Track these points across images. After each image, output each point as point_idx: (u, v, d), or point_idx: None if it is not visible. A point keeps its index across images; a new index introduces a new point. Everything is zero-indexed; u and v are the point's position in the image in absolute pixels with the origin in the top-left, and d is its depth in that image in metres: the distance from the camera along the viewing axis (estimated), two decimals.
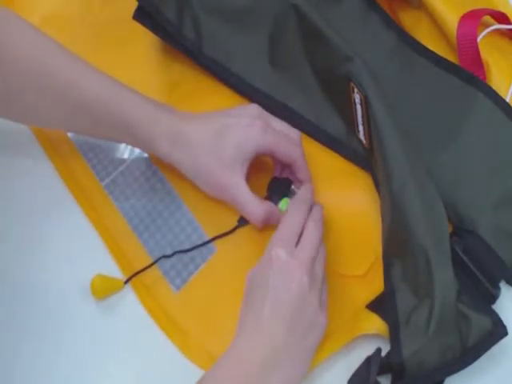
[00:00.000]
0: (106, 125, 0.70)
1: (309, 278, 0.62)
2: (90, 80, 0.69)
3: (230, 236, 0.72)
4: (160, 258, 0.71)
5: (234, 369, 0.60)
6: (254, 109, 0.72)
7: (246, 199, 0.69)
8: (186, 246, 0.72)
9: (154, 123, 0.69)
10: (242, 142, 0.69)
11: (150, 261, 0.72)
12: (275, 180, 0.74)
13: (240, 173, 0.69)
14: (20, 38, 0.68)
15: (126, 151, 0.77)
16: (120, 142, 0.73)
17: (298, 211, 0.67)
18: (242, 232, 0.72)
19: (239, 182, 0.69)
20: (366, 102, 0.70)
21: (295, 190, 0.72)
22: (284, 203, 0.71)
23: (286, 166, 0.73)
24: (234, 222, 0.73)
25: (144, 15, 0.78)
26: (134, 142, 0.72)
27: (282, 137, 0.70)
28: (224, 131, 0.69)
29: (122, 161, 0.77)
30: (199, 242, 0.72)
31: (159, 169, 0.76)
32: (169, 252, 0.72)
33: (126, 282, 0.70)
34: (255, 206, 0.69)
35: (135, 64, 0.81)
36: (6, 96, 0.70)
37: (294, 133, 0.72)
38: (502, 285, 0.68)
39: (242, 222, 0.72)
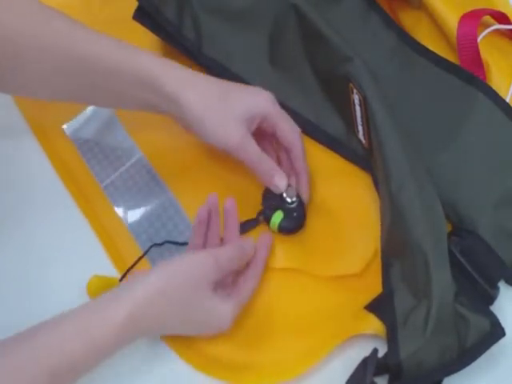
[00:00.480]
0: (114, 78, 0.68)
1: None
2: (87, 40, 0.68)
3: None
4: (151, 247, 0.72)
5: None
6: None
7: (258, 154, 0.69)
8: (183, 249, 0.72)
9: (162, 68, 0.67)
10: (252, 103, 0.69)
11: (148, 263, 0.72)
12: (269, 190, 0.72)
13: (247, 130, 0.68)
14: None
15: (125, 154, 0.78)
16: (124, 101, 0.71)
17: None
18: None
19: (249, 136, 0.68)
20: (365, 103, 0.70)
21: (287, 198, 0.71)
22: (277, 217, 0.71)
23: (283, 154, 0.73)
24: None
25: (144, 15, 0.78)
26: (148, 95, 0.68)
27: (288, 116, 0.70)
28: (235, 89, 0.69)
29: (122, 163, 0.77)
30: None
31: (158, 172, 0.76)
32: (166, 256, 0.72)
33: (120, 280, 0.70)
34: (266, 160, 0.69)
35: None
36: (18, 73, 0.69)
37: (297, 127, 0.72)
38: (502, 285, 0.68)
39: None
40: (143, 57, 0.68)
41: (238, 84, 0.71)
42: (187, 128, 0.70)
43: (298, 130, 0.71)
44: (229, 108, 0.68)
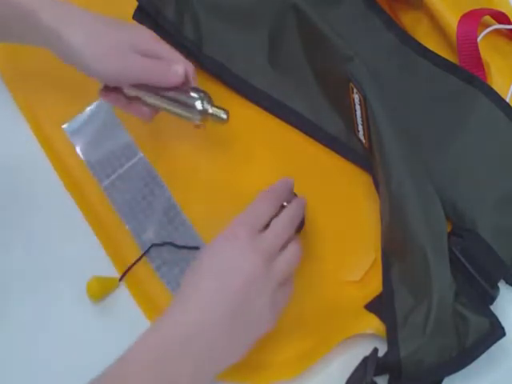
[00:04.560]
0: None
1: (265, 266, 0.57)
2: None
3: None
4: (151, 247, 0.72)
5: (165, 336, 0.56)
6: None
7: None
8: (184, 251, 0.72)
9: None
10: (134, 35, 0.69)
11: (147, 264, 0.72)
12: None
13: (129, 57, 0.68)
14: None
15: (125, 154, 0.77)
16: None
17: (266, 200, 0.63)
18: None
19: (131, 59, 0.67)
20: (365, 103, 0.70)
21: (283, 203, 0.69)
22: None
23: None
24: None
25: (144, 15, 0.78)
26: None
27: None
28: (116, 22, 0.70)
29: (122, 163, 0.77)
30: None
31: (159, 173, 0.76)
32: (165, 256, 0.72)
33: (120, 280, 0.71)
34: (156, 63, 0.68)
35: None
36: None
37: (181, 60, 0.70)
38: (502, 285, 0.68)
39: None
40: None
41: (120, 19, 0.71)
42: (67, 60, 0.68)
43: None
44: (112, 38, 0.67)
